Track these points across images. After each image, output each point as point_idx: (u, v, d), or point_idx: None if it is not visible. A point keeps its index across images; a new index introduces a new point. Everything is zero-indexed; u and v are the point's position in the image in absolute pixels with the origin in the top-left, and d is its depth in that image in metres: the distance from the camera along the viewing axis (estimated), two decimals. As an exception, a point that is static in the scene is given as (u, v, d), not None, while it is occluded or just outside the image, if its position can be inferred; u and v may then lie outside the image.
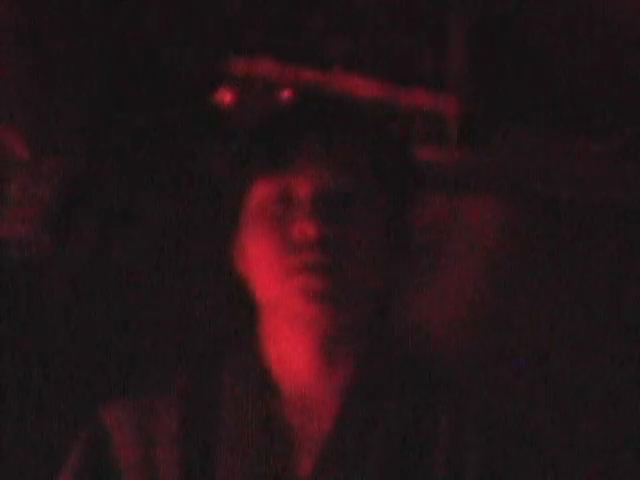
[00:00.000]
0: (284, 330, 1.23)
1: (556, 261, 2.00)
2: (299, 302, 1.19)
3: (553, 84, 2.12)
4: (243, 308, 1.28)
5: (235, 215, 1.27)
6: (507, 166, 2.06)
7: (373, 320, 1.28)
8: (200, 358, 1.35)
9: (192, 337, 1.82)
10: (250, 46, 2.09)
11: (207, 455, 1.23)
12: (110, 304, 1.90)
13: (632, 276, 1.99)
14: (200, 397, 1.27)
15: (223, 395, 1.27)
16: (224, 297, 1.32)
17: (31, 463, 1.68)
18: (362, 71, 2.08)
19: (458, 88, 2.09)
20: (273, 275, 1.20)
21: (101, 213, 1.94)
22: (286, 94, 2.06)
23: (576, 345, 1.96)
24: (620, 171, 2.04)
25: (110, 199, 1.94)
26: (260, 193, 1.23)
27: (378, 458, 1.21)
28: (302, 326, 1.21)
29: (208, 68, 2.04)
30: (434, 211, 1.97)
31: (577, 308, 1.97)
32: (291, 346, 1.24)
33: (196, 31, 2.05)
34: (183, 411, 1.26)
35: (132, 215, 1.94)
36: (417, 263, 1.31)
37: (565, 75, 2.11)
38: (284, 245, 1.19)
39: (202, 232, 1.87)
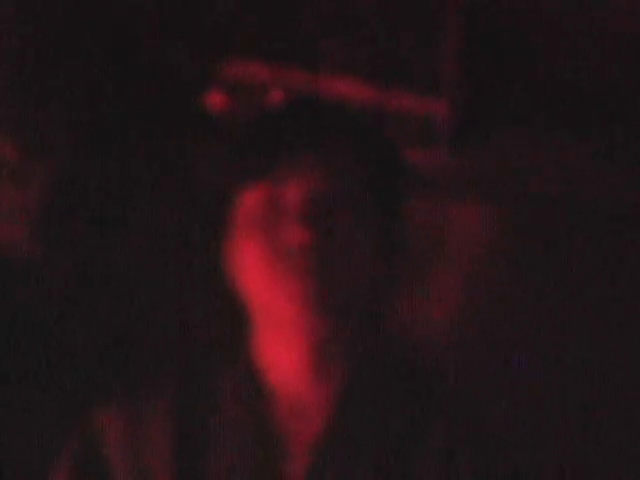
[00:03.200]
0: (275, 335, 1.23)
1: (549, 263, 2.00)
2: (289, 307, 1.19)
3: (544, 87, 2.12)
4: (235, 313, 1.28)
5: (226, 220, 1.26)
6: (498, 169, 2.07)
7: (365, 325, 1.28)
8: (192, 363, 1.35)
9: (184, 342, 1.82)
10: (240, 49, 2.09)
11: (199, 459, 1.23)
12: (100, 309, 1.89)
13: (625, 276, 1.99)
14: (192, 401, 1.27)
15: (215, 399, 1.27)
16: (216, 302, 1.32)
17: (22, 465, 1.68)
18: (353, 74, 2.08)
19: (449, 91, 2.09)
20: (263, 281, 1.20)
21: (91, 217, 1.93)
22: (276, 97, 2.06)
23: (570, 347, 1.97)
24: (612, 172, 2.05)
25: (100, 203, 1.94)
26: (250, 199, 1.22)
27: (370, 462, 1.22)
28: (293, 331, 1.21)
29: (198, 71, 2.03)
30: (425, 214, 1.97)
31: (570, 310, 1.98)
32: (283, 351, 1.24)
33: (186, 33, 2.05)
34: (175, 415, 1.26)
35: (122, 220, 1.93)
36: (408, 267, 1.31)
37: (556, 77, 2.11)
38: (274, 251, 1.19)
39: (193, 237, 1.87)
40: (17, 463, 1.68)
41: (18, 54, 1.86)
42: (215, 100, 2.04)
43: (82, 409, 1.30)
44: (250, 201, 1.22)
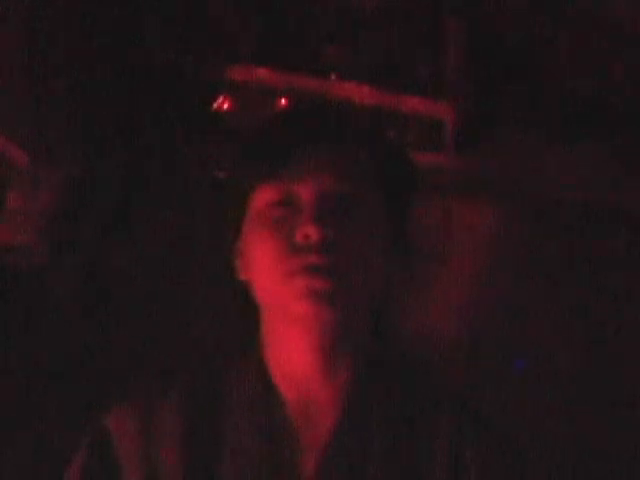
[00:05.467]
0: (286, 332, 1.24)
1: (554, 263, 2.00)
2: (300, 304, 1.19)
3: (547, 89, 2.13)
4: (246, 312, 1.29)
5: (236, 219, 1.27)
6: (503, 170, 2.07)
7: (373, 323, 1.28)
8: (202, 362, 1.35)
9: (194, 342, 1.82)
10: (248, 54, 2.10)
11: (210, 458, 1.24)
12: (110, 310, 1.90)
13: (627, 277, 1.99)
14: (202, 401, 1.27)
15: (225, 399, 1.27)
16: (226, 301, 1.33)
17: (35, 468, 1.68)
18: (359, 78, 2.09)
19: (454, 94, 2.09)
20: (275, 277, 1.21)
21: (100, 220, 1.94)
22: (283, 102, 2.06)
23: (576, 347, 1.97)
24: (616, 173, 2.05)
25: (109, 206, 1.95)
26: (262, 197, 1.23)
27: (380, 460, 1.22)
28: (303, 328, 1.22)
29: (207, 76, 2.04)
30: (432, 215, 1.98)
31: (576, 310, 1.98)
32: (293, 348, 1.24)
33: (194, 39, 2.06)
34: (186, 415, 1.26)
35: (131, 221, 1.94)
36: (416, 266, 1.32)
37: (560, 80, 2.12)
38: (286, 247, 1.20)
39: (203, 237, 1.88)
40: (30, 466, 1.69)
41: (31, 67, 1.88)
42: (223, 105, 2.05)
43: (93, 412, 1.30)
44: (263, 200, 1.23)
